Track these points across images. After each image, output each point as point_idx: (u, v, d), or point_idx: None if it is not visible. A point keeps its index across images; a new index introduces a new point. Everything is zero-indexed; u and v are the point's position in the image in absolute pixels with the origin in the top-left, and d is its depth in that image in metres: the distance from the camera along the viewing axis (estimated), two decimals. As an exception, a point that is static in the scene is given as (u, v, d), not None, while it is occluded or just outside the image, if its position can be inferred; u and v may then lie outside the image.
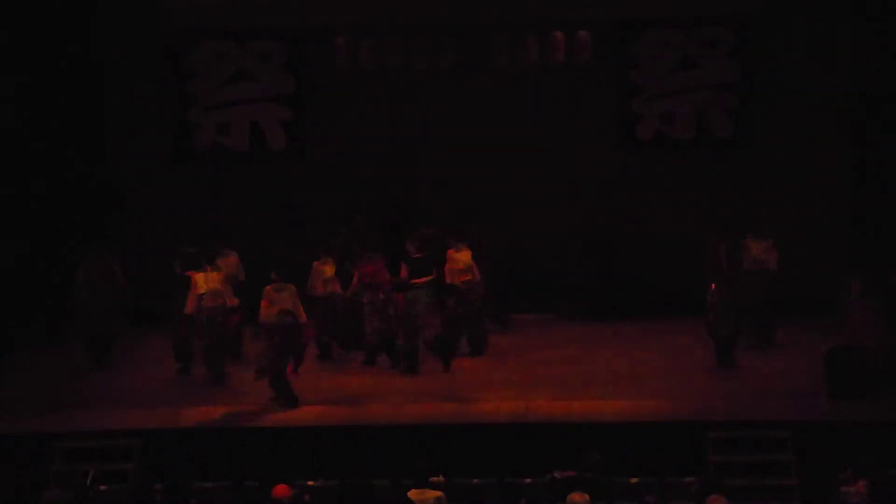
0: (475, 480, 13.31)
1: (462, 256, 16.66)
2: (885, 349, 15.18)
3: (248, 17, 18.85)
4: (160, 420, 14.81)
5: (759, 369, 16.12)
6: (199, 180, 19.32)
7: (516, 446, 14.14)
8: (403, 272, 16.11)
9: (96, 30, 19.10)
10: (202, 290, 15.67)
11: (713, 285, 16.06)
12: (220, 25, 19.00)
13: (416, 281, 16.07)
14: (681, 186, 19.13)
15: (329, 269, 16.69)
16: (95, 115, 19.11)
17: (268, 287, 14.99)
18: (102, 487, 13.37)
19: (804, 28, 18.76)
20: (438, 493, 12.49)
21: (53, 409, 15.25)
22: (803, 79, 18.77)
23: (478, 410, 14.90)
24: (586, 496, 11.98)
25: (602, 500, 12.40)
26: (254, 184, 19.27)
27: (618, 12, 18.77)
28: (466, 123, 19.03)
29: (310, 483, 13.18)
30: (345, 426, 14.57)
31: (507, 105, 19.10)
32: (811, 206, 18.93)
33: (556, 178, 19.03)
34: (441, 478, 13.02)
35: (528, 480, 13.17)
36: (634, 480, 13.11)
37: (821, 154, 18.96)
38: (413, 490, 12.40)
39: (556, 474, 12.85)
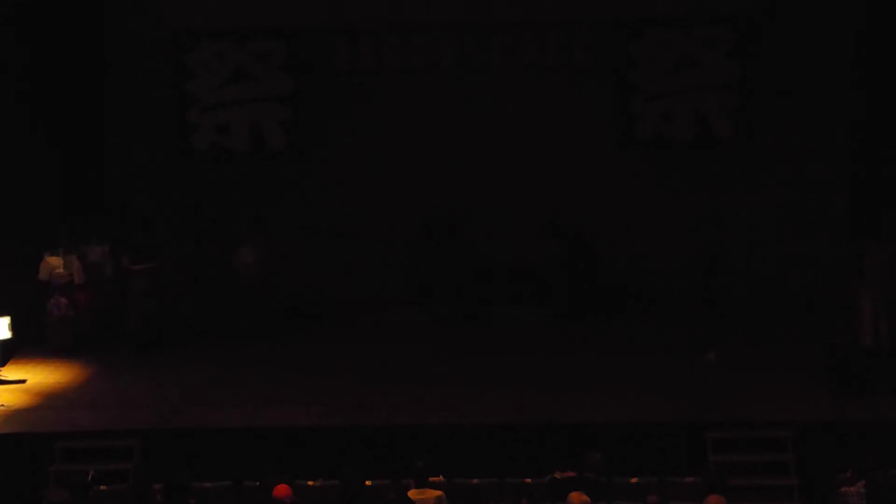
0: (475, 480, 13.32)
1: None
2: None
3: (248, 17, 18.90)
4: (160, 420, 14.82)
5: (758, 369, 16.11)
6: (200, 180, 19.31)
7: (516, 446, 14.14)
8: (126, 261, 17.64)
9: (96, 30, 19.09)
10: (54, 269, 17.38)
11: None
12: (220, 25, 19.02)
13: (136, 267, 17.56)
14: (680, 186, 19.12)
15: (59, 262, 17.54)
16: (96, 115, 19.10)
17: (46, 253, 17.36)
18: (102, 487, 13.37)
19: (804, 28, 18.75)
20: (438, 493, 12.49)
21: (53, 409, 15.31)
22: (803, 79, 18.77)
23: (478, 410, 14.91)
24: (586, 496, 11.98)
25: (602, 500, 12.40)
26: (254, 184, 19.26)
27: (617, 12, 18.77)
28: (465, 123, 19.01)
29: (310, 483, 13.19)
30: (345, 426, 14.58)
31: (507, 105, 19.08)
32: (811, 206, 18.93)
33: (556, 178, 19.00)
34: (441, 478, 13.03)
35: (528, 480, 13.17)
36: (635, 480, 13.11)
37: (821, 154, 18.96)
38: (413, 490, 12.41)
39: (556, 474, 12.85)
